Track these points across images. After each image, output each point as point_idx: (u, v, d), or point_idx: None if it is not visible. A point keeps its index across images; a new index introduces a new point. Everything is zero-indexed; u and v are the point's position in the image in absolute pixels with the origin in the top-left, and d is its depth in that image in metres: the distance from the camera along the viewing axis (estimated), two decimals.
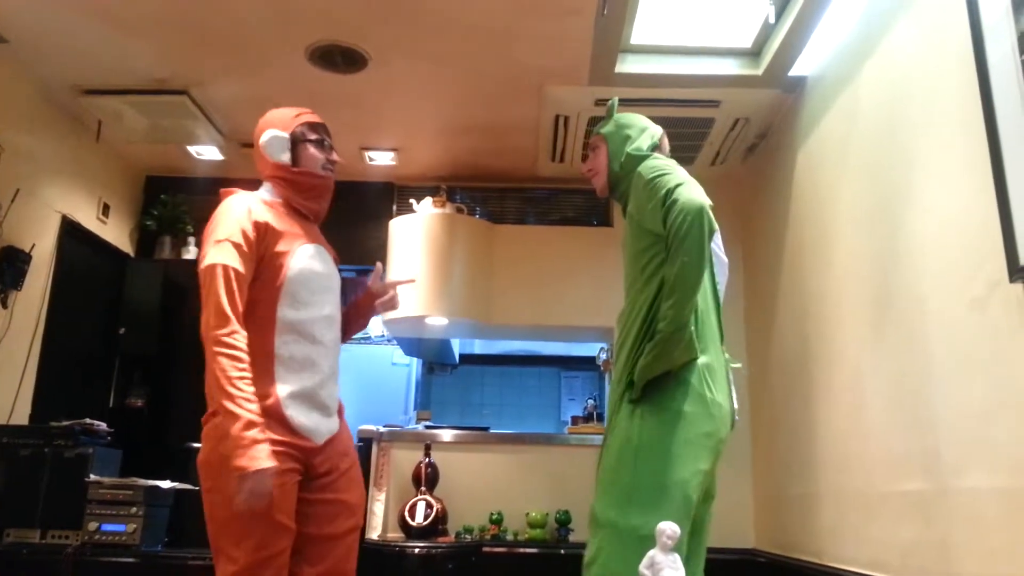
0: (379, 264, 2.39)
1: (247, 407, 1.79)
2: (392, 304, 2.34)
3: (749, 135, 4.13)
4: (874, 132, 2.77)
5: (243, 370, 1.83)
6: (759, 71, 3.50)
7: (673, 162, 2.15)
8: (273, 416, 1.91)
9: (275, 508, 1.86)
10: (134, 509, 3.25)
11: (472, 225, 4.59)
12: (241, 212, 1.98)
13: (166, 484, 3.45)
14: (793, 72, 3.48)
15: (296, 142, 2.15)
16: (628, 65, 3.53)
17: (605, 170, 2.25)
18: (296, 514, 1.95)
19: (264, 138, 2.14)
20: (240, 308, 1.89)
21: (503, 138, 4.34)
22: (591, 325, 4.47)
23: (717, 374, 1.96)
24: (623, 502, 1.78)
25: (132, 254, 4.76)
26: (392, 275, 4.28)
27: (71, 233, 4.14)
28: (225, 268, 1.89)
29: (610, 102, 2.36)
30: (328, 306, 2.09)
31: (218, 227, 1.97)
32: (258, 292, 1.97)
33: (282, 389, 1.94)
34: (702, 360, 1.93)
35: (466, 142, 4.42)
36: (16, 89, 3.71)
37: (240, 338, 1.85)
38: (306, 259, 2.05)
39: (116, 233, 4.62)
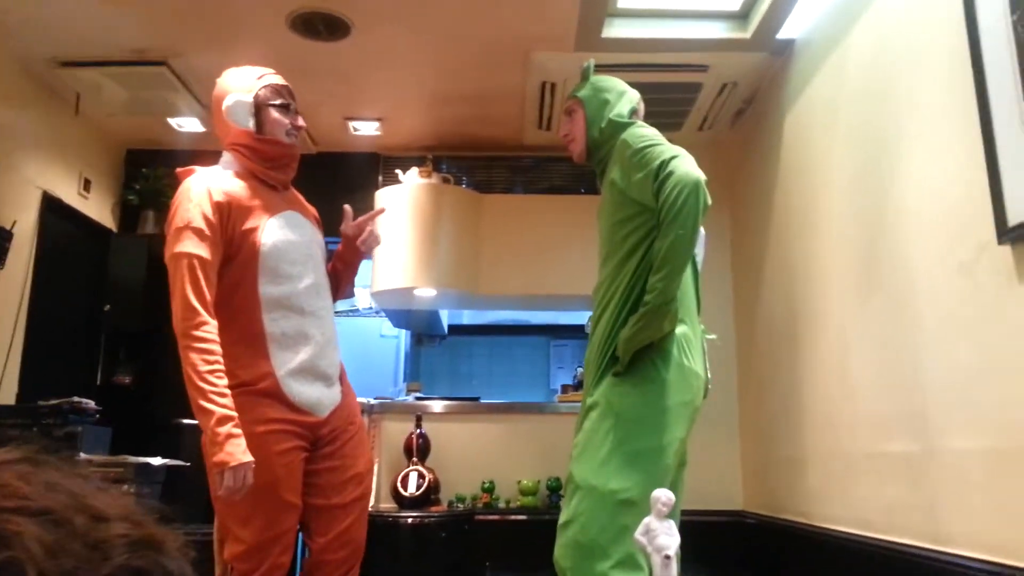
0: (347, 207, 2.22)
1: (219, 402, 1.76)
2: (374, 239, 2.22)
3: (737, 100, 4.11)
4: (862, 95, 2.75)
5: (213, 363, 1.79)
6: (747, 34, 3.47)
7: (657, 131, 2.11)
8: (273, 395, 1.90)
9: (281, 487, 1.87)
10: (126, 486, 3.24)
11: (459, 195, 4.56)
12: (200, 194, 1.89)
13: (157, 461, 3.44)
14: (781, 35, 3.45)
15: (260, 107, 2.02)
16: (615, 29, 3.49)
17: (583, 135, 2.17)
18: (303, 486, 1.95)
19: (227, 103, 2.02)
20: (208, 296, 1.84)
21: (489, 106, 4.30)
22: (580, 294, 4.46)
23: (693, 344, 1.97)
24: (601, 467, 1.79)
25: (115, 229, 4.71)
26: (380, 246, 4.27)
27: (53, 209, 4.08)
28: (188, 257, 1.84)
29: (585, 65, 2.26)
30: (312, 274, 2.01)
31: (177, 213, 1.89)
32: (236, 273, 1.91)
33: (279, 367, 1.91)
34: (680, 330, 1.93)
35: (452, 111, 4.37)
36: None
37: (209, 329, 1.81)
38: (278, 230, 1.96)
39: (98, 208, 4.56)
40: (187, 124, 4.44)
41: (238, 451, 1.75)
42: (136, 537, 0.48)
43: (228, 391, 1.80)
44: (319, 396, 1.96)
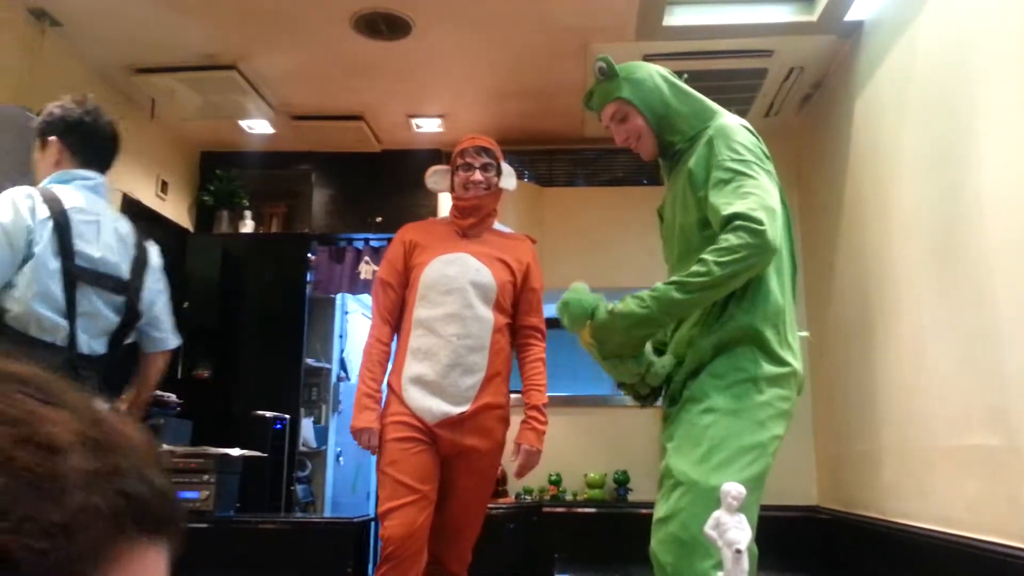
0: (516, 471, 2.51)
1: (367, 381, 2.34)
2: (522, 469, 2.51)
3: (804, 84, 4.00)
4: (935, 77, 2.65)
5: (372, 354, 2.36)
6: (814, 17, 3.38)
7: (750, 133, 1.90)
8: (397, 395, 2.33)
9: (396, 468, 2.26)
10: (206, 477, 3.36)
11: (521, 188, 4.56)
12: (398, 235, 2.51)
13: (236, 452, 3.56)
14: (849, 17, 3.35)
15: (453, 171, 2.50)
16: (676, 17, 3.44)
17: (650, 132, 1.98)
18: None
19: (426, 176, 2.55)
20: (384, 308, 2.41)
21: (550, 100, 4.29)
22: (644, 285, 4.40)
23: (794, 341, 1.90)
24: (702, 462, 1.70)
25: (191, 229, 4.88)
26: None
27: (132, 211, 4.25)
28: (378, 279, 2.46)
29: (601, 63, 2.02)
30: (454, 305, 2.33)
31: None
32: (407, 296, 2.41)
33: (404, 374, 2.33)
34: (783, 326, 1.87)
35: (512, 105, 4.38)
36: (71, 71, 3.80)
37: (377, 330, 2.39)
38: (440, 266, 2.37)
39: (175, 209, 4.74)
40: (258, 126, 4.56)
41: (364, 419, 2.29)
42: (96, 468, 0.39)
43: (380, 376, 2.35)
44: (429, 405, 2.28)
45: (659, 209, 2.15)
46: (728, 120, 1.90)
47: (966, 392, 2.44)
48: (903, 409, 2.95)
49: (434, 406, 2.27)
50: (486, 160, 2.46)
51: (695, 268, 1.71)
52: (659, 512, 1.76)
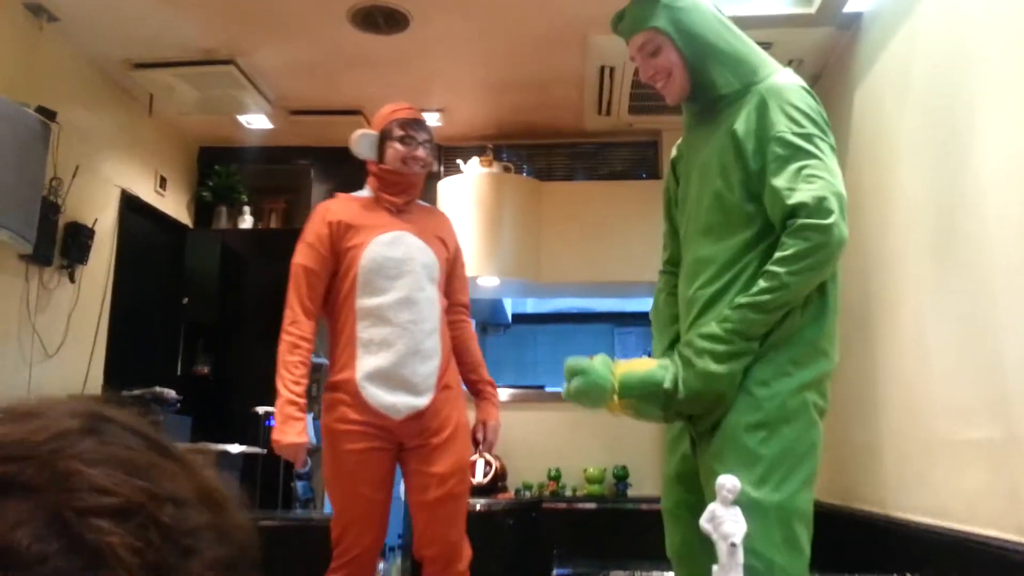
0: (482, 451, 2.44)
1: (290, 387, 2.08)
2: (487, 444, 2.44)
3: (803, 76, 3.95)
4: (935, 68, 2.64)
5: (295, 354, 2.11)
6: (812, 9, 3.36)
7: (816, 103, 1.68)
8: (353, 396, 2.12)
9: (354, 479, 2.11)
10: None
11: (520, 183, 4.56)
12: (318, 215, 2.24)
13: (235, 448, 3.56)
14: (848, 8, 3.34)
15: (384, 139, 2.26)
16: None
17: (683, 70, 1.71)
18: (405, 484, 2.21)
19: (353, 137, 2.27)
20: (307, 299, 2.16)
21: (548, 93, 4.28)
22: (643, 280, 4.41)
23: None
24: (763, 483, 1.58)
25: (190, 225, 4.88)
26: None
27: (131, 206, 4.25)
28: (296, 266, 2.19)
29: None
30: (404, 289, 2.16)
31: (304, 228, 2.26)
32: (339, 283, 2.19)
33: (359, 370, 2.11)
34: (829, 326, 1.82)
35: (511, 99, 4.37)
36: (70, 67, 3.79)
37: (300, 327, 2.13)
38: (380, 248, 2.17)
39: (174, 205, 4.73)
40: (256, 121, 4.55)
41: (292, 432, 2.06)
42: (214, 523, 0.42)
43: (304, 380, 2.10)
44: (394, 401, 2.11)
45: (673, 160, 1.88)
46: (782, 78, 1.68)
47: (967, 383, 2.43)
48: (903, 400, 2.94)
49: (399, 402, 2.11)
50: (427, 137, 2.30)
51: (763, 284, 1.54)
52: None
